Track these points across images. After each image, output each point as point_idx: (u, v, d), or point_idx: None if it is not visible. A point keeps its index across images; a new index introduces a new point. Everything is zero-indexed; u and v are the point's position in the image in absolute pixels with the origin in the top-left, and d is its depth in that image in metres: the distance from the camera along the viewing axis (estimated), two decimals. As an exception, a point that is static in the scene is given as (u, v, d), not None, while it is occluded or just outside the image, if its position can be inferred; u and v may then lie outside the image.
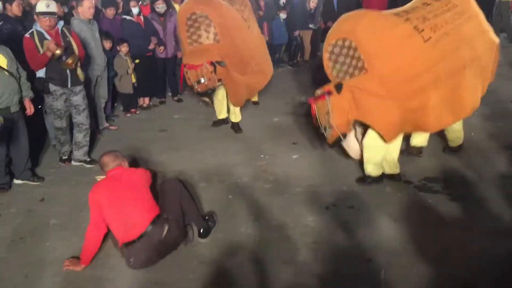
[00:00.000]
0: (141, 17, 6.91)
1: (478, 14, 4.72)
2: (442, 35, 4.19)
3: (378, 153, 4.38)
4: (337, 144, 4.35)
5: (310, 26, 10.11)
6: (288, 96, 7.34)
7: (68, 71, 4.76)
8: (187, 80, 5.35)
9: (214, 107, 6.30)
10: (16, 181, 4.73)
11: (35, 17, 5.18)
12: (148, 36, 6.84)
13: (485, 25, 4.74)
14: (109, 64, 6.21)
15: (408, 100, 4.08)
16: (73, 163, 5.21)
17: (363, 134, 4.48)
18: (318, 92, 4.18)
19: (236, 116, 6.10)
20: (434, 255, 3.36)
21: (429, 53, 4.08)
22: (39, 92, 4.88)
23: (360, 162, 4.58)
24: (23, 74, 4.59)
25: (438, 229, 3.72)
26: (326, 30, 4.52)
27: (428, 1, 4.50)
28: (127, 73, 6.56)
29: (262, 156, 5.32)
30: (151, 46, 6.88)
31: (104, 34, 6.13)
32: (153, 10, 7.20)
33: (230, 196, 4.39)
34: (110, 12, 6.57)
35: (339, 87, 4.02)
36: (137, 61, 6.72)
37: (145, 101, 7.37)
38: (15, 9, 5.54)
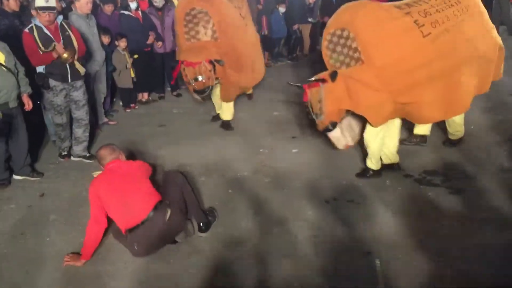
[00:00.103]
0: (139, 12, 6.88)
1: (482, 13, 4.66)
2: (442, 32, 4.15)
3: (379, 147, 4.39)
4: (328, 131, 4.37)
5: (309, 19, 10.09)
6: (287, 90, 7.32)
7: (67, 66, 4.74)
8: (184, 77, 5.30)
9: (213, 102, 6.28)
10: (15, 177, 4.73)
11: (33, 12, 5.18)
12: (146, 31, 6.82)
13: (488, 25, 4.68)
14: (108, 59, 6.19)
15: (401, 94, 4.09)
16: (73, 158, 5.21)
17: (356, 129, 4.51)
18: (313, 79, 4.20)
19: (226, 113, 6.01)
20: (434, 248, 3.36)
21: (427, 49, 4.06)
22: (38, 87, 4.87)
23: (360, 155, 4.59)
24: (21, 69, 4.57)
25: (438, 222, 3.72)
26: (325, 24, 4.50)
27: None
28: (126, 67, 6.55)
29: (261, 150, 5.32)
30: (150, 41, 6.86)
31: (102, 29, 6.11)
32: (151, 4, 7.18)
33: (230, 191, 4.39)
34: (108, 8, 6.55)
35: (333, 76, 4.05)
36: (135, 56, 6.70)
37: (144, 96, 7.36)
38: (12, 4, 5.51)
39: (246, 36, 5.99)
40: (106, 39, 6.15)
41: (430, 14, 4.18)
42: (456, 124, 4.97)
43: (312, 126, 5.14)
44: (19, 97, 4.54)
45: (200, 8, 5.32)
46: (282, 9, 9.67)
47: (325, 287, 3.06)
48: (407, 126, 5.23)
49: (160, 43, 7.05)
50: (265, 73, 6.66)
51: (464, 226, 3.64)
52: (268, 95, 7.32)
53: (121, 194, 3.41)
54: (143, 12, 6.96)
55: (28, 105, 4.64)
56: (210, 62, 5.14)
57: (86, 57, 5.35)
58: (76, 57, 4.80)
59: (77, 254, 3.43)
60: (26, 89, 4.61)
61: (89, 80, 5.60)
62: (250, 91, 7.05)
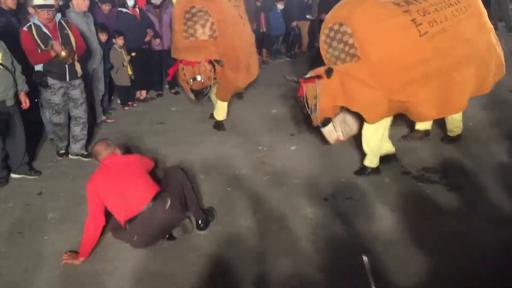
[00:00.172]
0: (137, 9, 6.86)
1: (482, 14, 4.63)
2: (440, 31, 4.15)
3: (377, 143, 4.39)
4: (324, 126, 4.38)
5: (308, 16, 10.07)
6: (285, 87, 7.31)
7: (66, 65, 4.72)
8: (182, 76, 5.22)
9: (212, 101, 6.26)
10: (13, 175, 4.71)
11: (30, 10, 5.15)
12: (144, 28, 6.80)
13: (486, 26, 4.65)
14: (105, 57, 6.17)
15: (396, 92, 4.10)
16: (71, 156, 5.19)
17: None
18: (310, 74, 4.22)
19: (220, 114, 5.95)
20: (432, 245, 3.37)
21: (423, 48, 4.06)
22: (35, 85, 4.85)
23: (359, 153, 4.59)
24: (18, 67, 4.55)
25: (436, 219, 3.72)
26: (323, 21, 4.53)
27: None
28: (123, 65, 6.53)
29: (260, 148, 5.31)
30: (147, 38, 6.84)
31: (100, 26, 6.08)
32: (148, 2, 7.16)
33: (228, 188, 4.38)
34: (106, 8, 6.52)
35: (329, 72, 4.06)
36: (133, 54, 6.67)
37: (142, 93, 7.34)
38: (9, 2, 5.48)
39: (244, 36, 5.96)
40: (103, 37, 6.13)
41: (429, 13, 4.17)
42: (455, 121, 4.98)
43: (309, 123, 5.14)
44: (16, 95, 4.52)
45: (201, 7, 5.26)
46: (280, 6, 9.65)
47: (324, 284, 3.06)
48: (409, 123, 5.24)
49: (158, 40, 7.03)
50: (263, 71, 6.64)
51: (463, 223, 3.64)
52: (266, 92, 7.31)
53: (119, 187, 3.41)
54: (140, 9, 6.93)
55: (25, 103, 4.62)
56: (210, 62, 5.09)
57: (85, 55, 5.33)
58: (76, 57, 4.78)
59: (75, 253, 3.42)
60: (23, 87, 4.59)
61: (87, 78, 5.58)
62: (241, 91, 7.01)
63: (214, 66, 5.14)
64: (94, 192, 3.42)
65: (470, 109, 4.94)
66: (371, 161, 4.46)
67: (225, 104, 5.93)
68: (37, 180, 4.72)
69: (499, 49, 4.80)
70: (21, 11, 5.68)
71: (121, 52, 6.48)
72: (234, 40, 5.54)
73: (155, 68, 7.36)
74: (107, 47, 6.28)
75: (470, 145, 5.01)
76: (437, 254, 3.26)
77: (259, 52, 9.93)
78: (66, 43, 4.68)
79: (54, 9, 4.66)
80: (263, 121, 6.13)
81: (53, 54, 4.56)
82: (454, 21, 4.29)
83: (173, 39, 5.61)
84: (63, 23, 4.77)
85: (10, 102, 4.44)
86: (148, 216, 3.38)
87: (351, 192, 4.20)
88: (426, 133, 5.19)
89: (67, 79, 4.81)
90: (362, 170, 4.52)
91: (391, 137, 4.69)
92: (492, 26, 4.74)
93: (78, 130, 5.11)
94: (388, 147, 4.62)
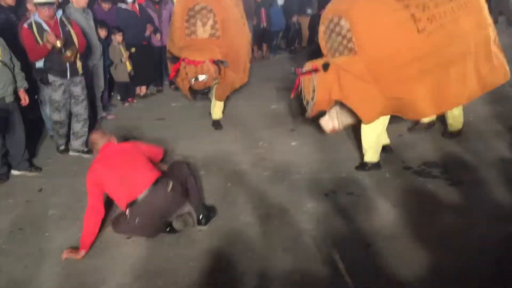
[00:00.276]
0: (136, 5, 6.84)
1: (481, 9, 4.59)
2: (438, 27, 4.12)
3: (376, 139, 4.39)
4: (318, 117, 4.46)
5: (308, 11, 10.05)
6: (285, 83, 7.29)
7: (67, 62, 4.71)
8: (184, 75, 5.12)
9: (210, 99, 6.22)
10: (13, 172, 4.72)
11: (29, 6, 5.13)
12: (143, 24, 6.79)
13: (485, 21, 4.59)
14: (105, 53, 6.16)
15: (391, 88, 4.10)
16: (71, 153, 5.20)
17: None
18: (307, 66, 4.24)
19: (217, 113, 5.91)
20: (433, 240, 3.36)
21: (420, 44, 4.05)
22: (34, 82, 4.84)
23: (359, 148, 4.59)
24: (17, 64, 4.54)
25: (437, 214, 3.71)
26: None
27: None
28: (121, 61, 6.51)
29: (260, 143, 5.31)
30: (148, 33, 6.83)
31: (99, 22, 6.07)
32: (148, -3, 7.14)
33: (229, 184, 4.38)
34: (106, 6, 6.50)
35: (326, 66, 4.08)
36: (133, 50, 6.66)
37: (142, 90, 7.34)
38: (8, -1, 5.48)
39: (244, 36, 5.92)
40: (103, 33, 6.11)
41: (429, 8, 4.15)
42: (455, 116, 4.97)
43: (311, 119, 5.14)
44: (15, 92, 4.51)
45: (205, 5, 5.21)
46: (280, 2, 9.63)
47: (325, 279, 3.06)
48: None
49: (158, 35, 7.02)
50: (263, 66, 6.63)
51: (464, 218, 3.63)
52: (266, 88, 7.30)
53: (120, 173, 3.44)
54: (140, 5, 6.92)
55: (25, 100, 4.62)
56: (214, 62, 4.99)
57: (84, 51, 5.31)
58: (78, 55, 4.77)
59: (75, 249, 3.42)
60: (23, 84, 4.59)
61: (87, 75, 5.56)
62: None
63: (219, 67, 5.04)
64: (95, 182, 3.43)
65: (471, 104, 4.93)
66: (371, 157, 4.45)
67: (222, 103, 5.90)
68: (37, 176, 4.72)
69: (498, 44, 4.77)
70: (20, 8, 5.66)
71: (119, 48, 6.46)
72: (236, 39, 5.51)
73: (155, 64, 7.34)
74: (106, 43, 6.26)
75: (471, 140, 5.00)
76: (438, 249, 3.26)
77: (260, 48, 9.94)
78: (68, 40, 4.67)
79: (55, 6, 4.64)
80: (263, 117, 6.12)
81: (49, 46, 4.53)
82: (454, 17, 4.26)
83: (173, 36, 5.53)
84: (64, 20, 4.76)
85: (9, 99, 4.44)
86: (149, 198, 3.39)
87: (352, 188, 4.19)
88: (431, 123, 5.20)
89: (68, 76, 4.80)
90: (363, 165, 4.51)
91: (391, 132, 4.69)
92: (491, 21, 4.71)
93: (79, 126, 5.10)
94: (383, 140, 4.62)
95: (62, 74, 4.77)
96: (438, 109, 4.48)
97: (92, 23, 5.73)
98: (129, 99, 7.03)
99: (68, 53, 4.59)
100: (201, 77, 4.98)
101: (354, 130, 4.87)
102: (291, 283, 3.04)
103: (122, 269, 3.26)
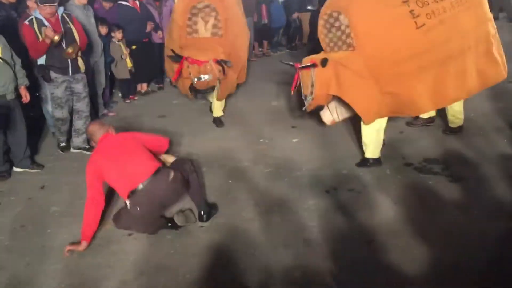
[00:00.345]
0: (137, 2, 6.83)
1: (481, 4, 4.56)
2: (437, 24, 4.11)
3: (377, 134, 4.40)
4: (317, 111, 4.51)
5: (309, 7, 10.02)
6: (286, 79, 7.29)
7: (68, 59, 4.71)
8: (187, 75, 4.98)
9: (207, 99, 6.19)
10: (15, 169, 4.73)
11: (29, 3, 5.13)
12: (144, 21, 6.78)
13: (485, 16, 4.57)
14: (106, 50, 6.16)
15: (389, 84, 4.11)
16: (73, 150, 5.21)
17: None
18: (305, 61, 4.27)
19: (218, 110, 5.88)
20: (434, 236, 3.37)
21: (418, 41, 4.04)
22: (35, 79, 4.84)
23: (360, 144, 4.59)
24: (18, 61, 4.54)
25: (438, 210, 3.72)
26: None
27: None
28: (121, 58, 6.51)
29: (261, 140, 5.31)
30: (148, 29, 6.82)
31: (100, 19, 6.07)
32: (148, -6, 7.12)
33: (230, 181, 4.39)
34: (107, 5, 6.49)
35: (324, 62, 4.11)
36: (133, 47, 6.66)
37: (143, 87, 7.33)
38: (9, -5, 5.46)
39: (245, 35, 5.90)
40: (103, 30, 6.11)
41: (428, 4, 4.14)
42: (456, 112, 4.97)
43: (310, 115, 5.15)
44: (16, 89, 4.52)
45: (208, 3, 5.13)
46: (281, -2, 9.61)
47: (327, 276, 3.07)
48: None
49: (160, 32, 7.01)
50: (264, 63, 6.62)
51: (465, 214, 3.64)
52: (267, 85, 7.29)
53: (119, 163, 3.45)
54: (140, 2, 6.91)
55: (26, 97, 4.62)
56: (218, 62, 4.90)
57: (85, 48, 5.31)
58: (79, 52, 4.77)
59: (77, 243, 3.44)
60: (24, 81, 4.59)
61: (88, 72, 5.57)
62: None
63: (223, 67, 4.96)
64: (94, 173, 3.45)
65: (471, 100, 4.93)
66: (372, 152, 4.46)
67: (223, 101, 5.87)
68: (39, 173, 4.73)
69: (498, 40, 4.76)
70: (20, 5, 5.66)
71: (119, 45, 6.46)
72: (237, 39, 5.47)
73: (156, 61, 7.34)
74: (107, 40, 6.26)
75: (472, 136, 4.99)
76: (438, 245, 3.27)
77: (260, 44, 9.93)
78: (69, 37, 4.67)
79: (56, 3, 4.64)
80: (264, 113, 6.12)
81: (47, 41, 4.53)
82: (453, 12, 4.24)
83: (173, 34, 5.42)
84: (66, 17, 4.76)
85: (10, 96, 4.44)
86: (150, 187, 3.40)
87: (353, 184, 4.20)
88: (430, 119, 5.23)
89: (70, 73, 4.81)
90: (364, 162, 4.52)
91: (392, 129, 4.68)
92: (491, 16, 4.70)
93: (81, 123, 5.11)
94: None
95: (64, 71, 4.77)
96: (437, 105, 4.48)
97: (92, 20, 5.73)
98: (130, 96, 7.03)
99: (70, 50, 4.60)
100: (204, 77, 4.89)
101: (355, 127, 4.87)
102: (292, 280, 3.05)
103: (123, 266, 3.28)
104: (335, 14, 4.18)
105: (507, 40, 5.24)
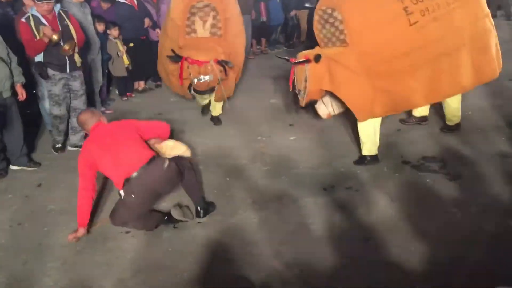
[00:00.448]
0: (134, 0, 6.80)
1: (478, 0, 4.56)
2: (430, 20, 4.12)
3: (373, 131, 4.41)
4: (310, 106, 4.54)
5: (306, 4, 9.99)
6: (284, 77, 7.27)
7: (66, 57, 4.70)
8: (187, 75, 4.88)
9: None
10: (12, 167, 4.71)
11: (25, 0, 5.10)
12: (141, 19, 6.75)
13: (482, 12, 4.55)
14: (103, 48, 6.13)
15: (381, 80, 4.12)
16: (69, 148, 5.18)
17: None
18: (299, 56, 4.29)
19: (217, 109, 5.83)
20: (432, 234, 3.37)
21: (411, 38, 4.06)
22: (33, 77, 4.82)
23: (358, 142, 4.59)
24: (14, 59, 4.51)
25: (436, 208, 3.72)
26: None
27: None
28: (118, 55, 6.49)
29: (259, 138, 5.31)
30: (146, 25, 6.81)
31: (97, 17, 6.04)
32: (146, -9, 7.09)
33: (228, 179, 4.38)
34: (105, 5, 6.46)
35: (317, 58, 4.13)
36: (131, 44, 6.63)
37: (140, 84, 7.31)
38: (6, -7, 5.44)
39: (243, 35, 5.87)
40: (100, 27, 6.09)
41: (422, 1, 4.15)
42: (453, 110, 4.97)
43: (307, 112, 5.15)
44: (12, 87, 4.50)
45: (208, 2, 5.06)
46: (278, -4, 9.58)
47: (325, 273, 3.07)
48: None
49: (157, 30, 6.99)
50: (262, 61, 6.60)
51: (462, 212, 3.64)
52: (265, 83, 7.28)
53: (113, 151, 3.43)
54: (138, 0, 6.88)
55: (22, 95, 4.60)
56: (219, 63, 4.83)
57: (83, 46, 5.29)
58: (76, 49, 4.75)
59: (75, 231, 3.47)
60: (20, 79, 4.56)
61: (85, 69, 5.55)
62: None
63: (224, 67, 4.88)
64: (87, 162, 3.44)
65: (469, 98, 4.94)
66: (369, 150, 4.46)
67: (222, 101, 5.84)
68: (36, 171, 4.71)
69: (495, 36, 4.76)
70: (17, 2, 5.63)
71: (115, 42, 6.44)
72: (236, 39, 5.44)
73: (153, 59, 7.29)
74: (104, 37, 6.24)
75: (469, 134, 5.00)
76: (436, 243, 3.27)
77: (258, 42, 9.91)
78: (66, 34, 4.65)
79: (53, 0, 4.61)
80: (262, 111, 6.12)
81: (45, 40, 4.51)
82: (448, 9, 4.25)
83: (171, 33, 5.31)
84: (63, 14, 4.73)
85: (6, 94, 4.42)
86: (144, 174, 3.39)
87: (351, 182, 4.20)
88: (422, 118, 5.25)
89: (68, 71, 4.79)
90: (362, 160, 4.52)
91: (390, 127, 4.68)
92: (488, 12, 4.70)
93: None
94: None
95: (62, 68, 4.75)
96: (430, 100, 4.52)
97: (89, 17, 5.70)
98: (128, 93, 7.01)
99: (66, 47, 4.58)
100: (204, 78, 4.81)
101: (352, 125, 4.87)
102: (290, 277, 3.05)
103: (121, 264, 3.27)
104: (329, 11, 4.21)
105: (505, 37, 5.24)
